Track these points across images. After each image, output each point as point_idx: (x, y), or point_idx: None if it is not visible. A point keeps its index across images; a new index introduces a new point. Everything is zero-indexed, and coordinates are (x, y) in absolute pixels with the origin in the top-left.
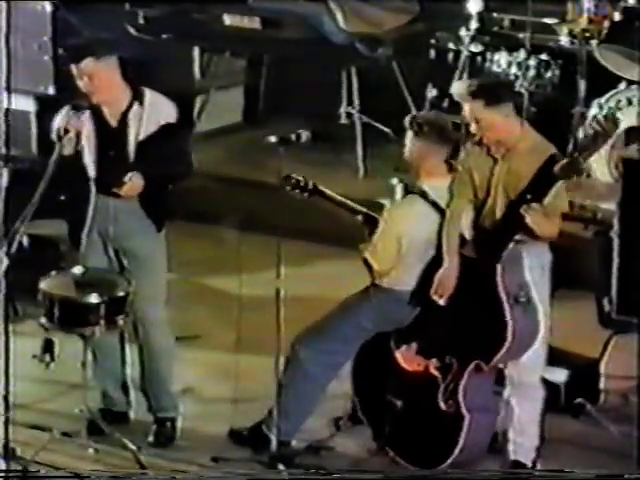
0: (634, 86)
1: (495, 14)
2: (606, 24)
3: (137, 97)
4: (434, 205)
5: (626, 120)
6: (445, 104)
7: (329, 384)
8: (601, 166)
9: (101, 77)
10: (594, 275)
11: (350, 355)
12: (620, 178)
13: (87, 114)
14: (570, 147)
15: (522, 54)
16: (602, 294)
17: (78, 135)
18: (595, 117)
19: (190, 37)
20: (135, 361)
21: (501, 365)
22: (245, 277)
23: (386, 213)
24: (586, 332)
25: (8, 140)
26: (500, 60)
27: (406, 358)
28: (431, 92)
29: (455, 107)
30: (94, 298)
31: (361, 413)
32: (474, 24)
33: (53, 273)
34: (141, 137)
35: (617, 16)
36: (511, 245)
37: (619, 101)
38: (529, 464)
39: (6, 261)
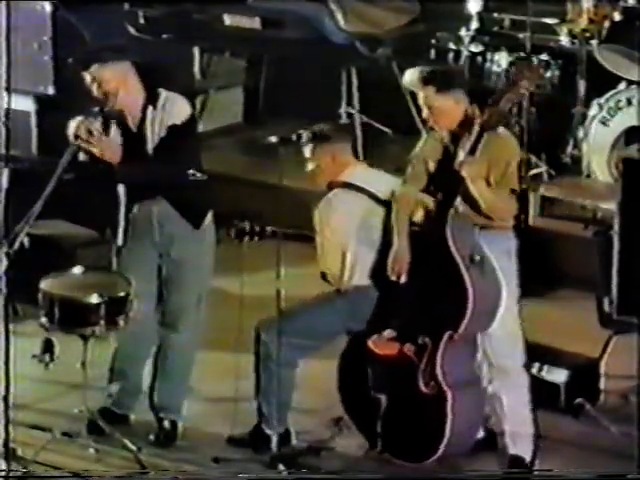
0: (634, 86)
1: (495, 14)
2: (606, 24)
3: (151, 100)
4: (359, 190)
5: (626, 120)
6: None
7: (297, 365)
8: (601, 166)
9: (110, 82)
10: (594, 275)
11: (316, 347)
12: (620, 178)
13: (114, 123)
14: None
15: (522, 54)
16: (602, 294)
17: (106, 132)
18: (512, 63)
19: (190, 37)
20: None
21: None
22: (245, 277)
23: (315, 220)
24: (586, 332)
25: (8, 140)
26: (500, 60)
27: (378, 345)
28: None
29: None
30: (94, 298)
31: (352, 423)
32: (474, 24)
33: (53, 273)
34: (156, 140)
35: (617, 16)
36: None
37: (619, 101)
38: (528, 457)
39: (6, 261)
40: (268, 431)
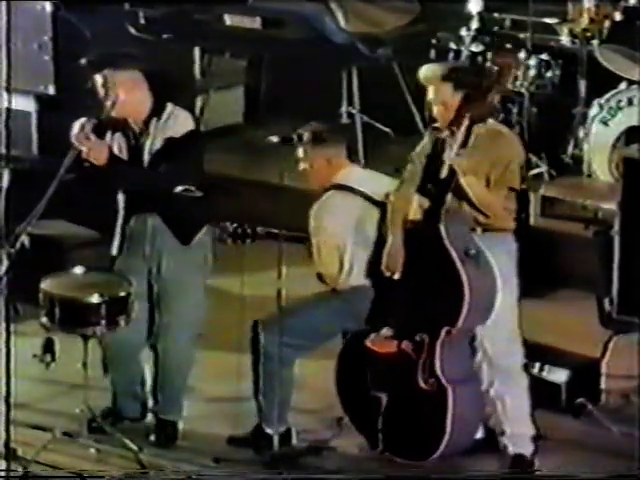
0: (635, 86)
1: (496, 14)
2: (607, 24)
3: (156, 112)
4: (352, 191)
5: (626, 120)
6: None
7: (293, 363)
8: (602, 166)
9: (119, 89)
10: (594, 275)
11: (311, 346)
12: (620, 178)
13: (119, 133)
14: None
15: (522, 54)
16: (603, 294)
17: (99, 134)
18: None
19: (190, 37)
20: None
21: (479, 346)
22: (246, 277)
23: (310, 221)
24: (587, 332)
25: (8, 140)
26: None
27: (376, 343)
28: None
29: None
30: (95, 298)
31: (351, 424)
32: (475, 24)
33: (54, 273)
34: (153, 150)
35: (618, 16)
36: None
37: (619, 101)
38: (528, 455)
39: (7, 261)
40: (269, 430)
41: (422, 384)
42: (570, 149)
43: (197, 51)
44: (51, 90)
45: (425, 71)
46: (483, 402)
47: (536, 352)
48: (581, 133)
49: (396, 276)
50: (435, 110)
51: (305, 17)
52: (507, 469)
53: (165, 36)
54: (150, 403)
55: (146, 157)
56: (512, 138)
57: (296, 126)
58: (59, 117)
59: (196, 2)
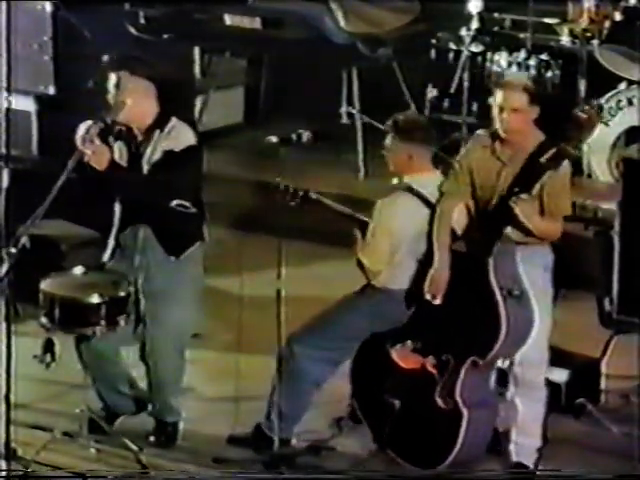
0: (634, 86)
1: (496, 14)
2: (607, 24)
3: (160, 124)
4: (423, 200)
5: (626, 120)
6: (445, 104)
7: (325, 382)
8: (602, 166)
9: (129, 94)
10: (595, 275)
11: (346, 353)
12: (620, 178)
13: (121, 138)
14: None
15: (522, 54)
16: (603, 294)
17: (104, 140)
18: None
19: (190, 37)
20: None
21: (504, 364)
22: (246, 277)
23: (375, 212)
24: (587, 332)
25: (8, 140)
26: (500, 60)
27: (402, 356)
28: (431, 92)
29: (455, 108)
30: (95, 298)
31: (360, 415)
32: (475, 24)
33: (53, 273)
34: (152, 161)
35: (618, 16)
36: (506, 239)
37: (619, 101)
38: (531, 465)
39: (7, 262)
40: (269, 433)
41: (439, 401)
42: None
43: (197, 51)
44: (51, 90)
45: (507, 76)
46: (494, 427)
47: None
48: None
49: (436, 302)
50: (500, 117)
51: (305, 17)
52: (507, 470)
53: (165, 36)
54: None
55: (145, 166)
56: (568, 170)
57: (296, 126)
58: (59, 117)
59: (196, 2)
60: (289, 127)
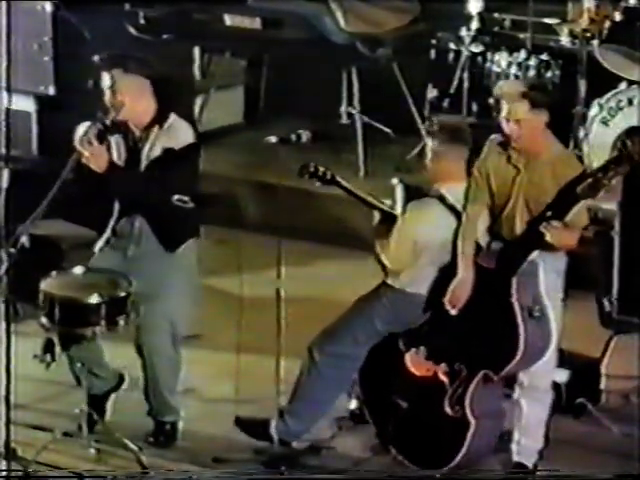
0: (635, 86)
1: (496, 14)
2: (607, 24)
3: (159, 120)
4: (452, 209)
5: (626, 120)
6: (445, 104)
7: (346, 388)
8: None
9: (124, 93)
10: (595, 275)
11: (364, 357)
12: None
13: (119, 135)
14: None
15: (522, 54)
16: (603, 294)
17: (101, 141)
18: (620, 138)
19: (190, 37)
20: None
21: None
22: (246, 277)
23: (406, 214)
24: (587, 332)
25: (8, 140)
26: (500, 60)
27: (415, 362)
28: (431, 92)
29: (455, 108)
30: (95, 298)
31: (367, 412)
32: (475, 24)
33: (54, 273)
34: (151, 158)
35: (618, 16)
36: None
37: (620, 101)
38: (530, 466)
39: (7, 261)
40: (272, 431)
41: (447, 409)
42: (570, 149)
43: (197, 51)
44: (51, 90)
45: (503, 87)
46: (499, 435)
47: None
48: (581, 133)
49: (454, 312)
50: (508, 128)
51: (305, 17)
52: (507, 470)
53: (165, 36)
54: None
55: (143, 163)
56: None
57: (296, 126)
58: (59, 117)
59: (196, 2)
60: (289, 127)
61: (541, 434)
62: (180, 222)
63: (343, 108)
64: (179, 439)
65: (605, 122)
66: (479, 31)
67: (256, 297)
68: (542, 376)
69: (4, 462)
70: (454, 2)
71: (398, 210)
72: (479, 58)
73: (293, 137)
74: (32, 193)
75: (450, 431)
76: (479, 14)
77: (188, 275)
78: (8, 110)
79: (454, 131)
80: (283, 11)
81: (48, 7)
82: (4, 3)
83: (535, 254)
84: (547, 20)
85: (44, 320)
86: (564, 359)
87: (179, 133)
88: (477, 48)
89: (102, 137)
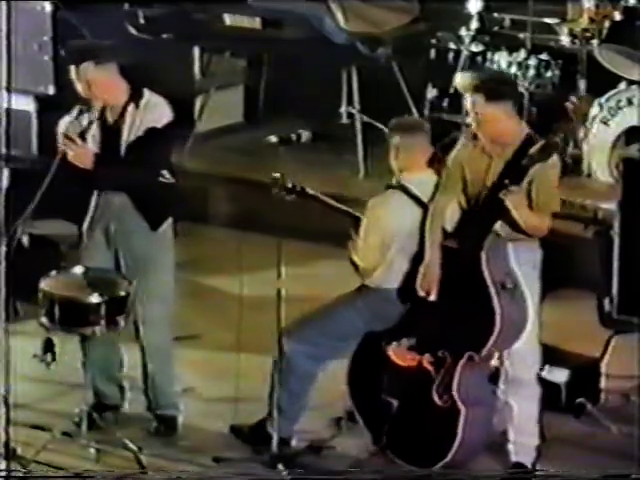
0: (634, 86)
1: (495, 14)
2: (607, 24)
3: (134, 98)
4: (415, 199)
5: (626, 120)
6: (445, 104)
7: (315, 379)
8: (602, 166)
9: (98, 83)
10: (594, 275)
11: (337, 352)
12: (620, 178)
13: (94, 113)
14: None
15: (522, 54)
16: (603, 294)
17: (83, 137)
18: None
19: (190, 37)
20: (135, 361)
21: (495, 362)
22: (245, 277)
23: (367, 210)
24: (587, 332)
25: (8, 140)
26: (500, 60)
27: (398, 354)
28: (431, 92)
29: (455, 107)
30: (95, 298)
31: (358, 416)
32: (474, 24)
33: (53, 273)
34: (132, 138)
35: (618, 16)
36: (497, 234)
37: (619, 101)
38: (529, 465)
39: (5, 261)
40: (271, 430)
41: (436, 399)
42: (570, 149)
43: (197, 51)
44: (51, 90)
45: (459, 79)
46: (492, 424)
47: None
48: (581, 133)
49: (431, 298)
50: (469, 119)
51: (305, 17)
52: (507, 469)
53: (165, 36)
54: (127, 387)
55: (124, 144)
56: (556, 164)
57: (296, 126)
58: (59, 117)
59: (196, 2)
60: (289, 127)
61: (535, 430)
62: (161, 199)
63: (343, 108)
64: (179, 439)
65: (605, 122)
66: (479, 31)
67: (256, 297)
68: (526, 368)
69: (4, 462)
70: (454, 2)
71: None
72: (479, 58)
73: (293, 137)
74: (32, 193)
75: (442, 424)
76: (479, 14)
77: (170, 253)
78: (8, 110)
79: (410, 127)
80: (283, 11)
81: (48, 7)
82: (4, 3)
83: (498, 227)
84: (547, 20)
85: (44, 320)
86: (563, 359)
87: (159, 111)
88: (477, 48)
89: (84, 132)
